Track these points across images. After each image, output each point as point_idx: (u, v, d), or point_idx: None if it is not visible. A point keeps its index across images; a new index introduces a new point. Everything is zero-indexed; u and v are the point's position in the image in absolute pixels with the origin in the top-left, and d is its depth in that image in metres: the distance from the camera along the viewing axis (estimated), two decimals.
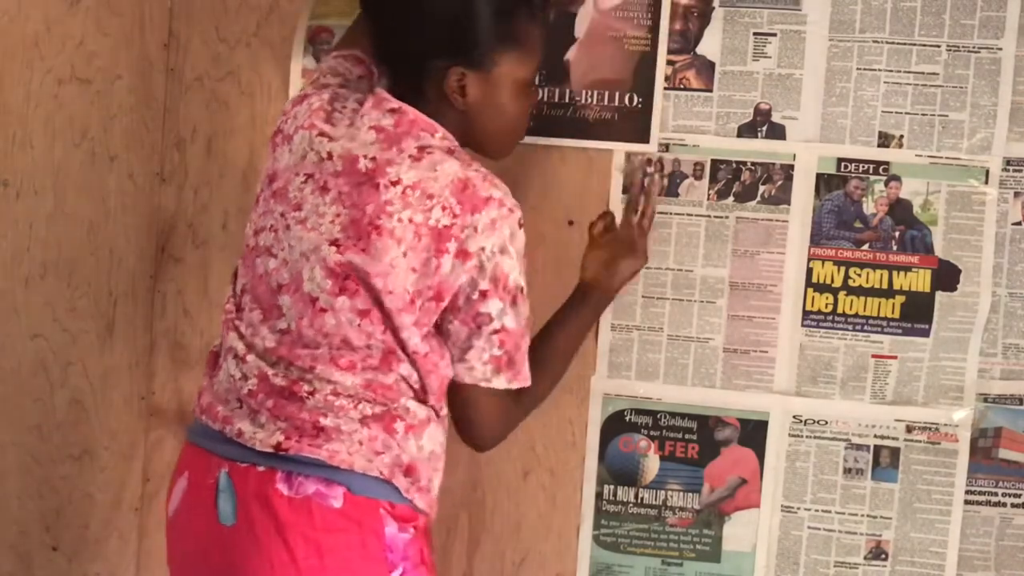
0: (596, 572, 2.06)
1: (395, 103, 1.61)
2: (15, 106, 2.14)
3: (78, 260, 2.16)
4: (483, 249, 1.56)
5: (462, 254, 1.55)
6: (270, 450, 1.57)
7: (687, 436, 2.02)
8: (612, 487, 2.05)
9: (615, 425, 2.04)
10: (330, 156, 1.59)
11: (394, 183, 1.55)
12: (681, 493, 2.03)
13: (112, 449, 2.19)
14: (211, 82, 2.11)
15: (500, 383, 1.63)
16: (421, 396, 1.61)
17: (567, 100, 2.00)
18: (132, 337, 2.17)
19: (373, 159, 1.57)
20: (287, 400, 1.58)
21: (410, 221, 1.55)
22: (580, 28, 1.99)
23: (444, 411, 1.66)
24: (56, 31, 2.12)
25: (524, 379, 1.65)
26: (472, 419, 1.67)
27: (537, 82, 1.76)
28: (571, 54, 2.00)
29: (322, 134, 1.61)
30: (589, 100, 1.99)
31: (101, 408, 2.18)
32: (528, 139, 1.98)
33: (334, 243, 1.57)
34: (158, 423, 2.18)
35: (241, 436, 1.59)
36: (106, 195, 2.15)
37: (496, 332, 1.60)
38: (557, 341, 1.81)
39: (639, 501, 2.04)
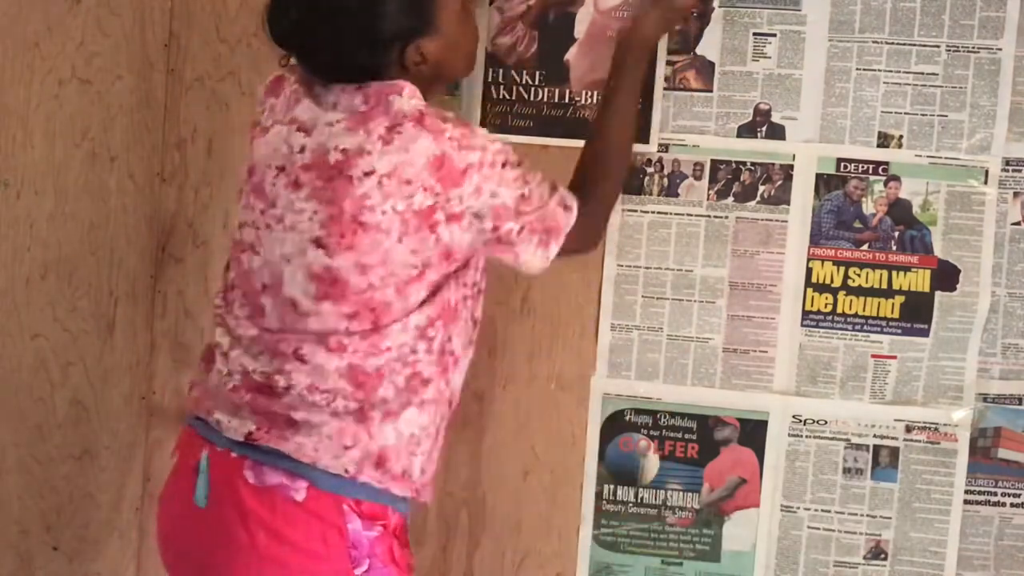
0: (596, 572, 2.06)
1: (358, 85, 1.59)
2: (15, 106, 2.14)
3: (78, 260, 2.16)
4: (470, 207, 1.57)
5: (453, 218, 1.57)
6: (241, 439, 1.59)
7: (687, 436, 2.02)
8: (612, 487, 2.05)
9: (615, 425, 2.04)
10: (302, 149, 1.58)
11: (368, 174, 1.53)
12: (681, 493, 2.03)
13: (112, 449, 2.19)
14: (211, 82, 2.11)
15: (554, 249, 1.65)
16: (404, 382, 1.61)
17: (567, 100, 2.00)
18: (132, 337, 2.17)
19: (344, 150, 1.54)
20: (265, 395, 1.60)
21: (394, 211, 1.54)
22: (580, 28, 1.99)
23: (429, 394, 1.64)
24: (56, 31, 2.12)
25: (560, 232, 1.65)
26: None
27: None
28: (571, 54, 2.00)
29: (300, 128, 1.59)
30: (589, 100, 2.00)
31: (101, 408, 2.18)
32: (528, 139, 1.99)
33: (317, 243, 1.56)
34: (158, 423, 2.18)
35: (220, 425, 1.62)
36: (107, 195, 2.15)
37: (521, 231, 1.61)
38: (609, 119, 1.80)
39: (639, 501, 2.04)
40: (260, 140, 1.66)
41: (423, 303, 1.60)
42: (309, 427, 1.58)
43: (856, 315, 1.98)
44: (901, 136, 1.95)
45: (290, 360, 1.59)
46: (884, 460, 1.99)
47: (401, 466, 1.62)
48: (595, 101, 1.99)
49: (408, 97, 1.57)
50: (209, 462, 1.61)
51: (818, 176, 1.97)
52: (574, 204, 1.67)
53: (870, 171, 1.96)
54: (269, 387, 1.60)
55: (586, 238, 1.74)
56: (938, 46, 1.93)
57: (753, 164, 1.98)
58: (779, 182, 1.98)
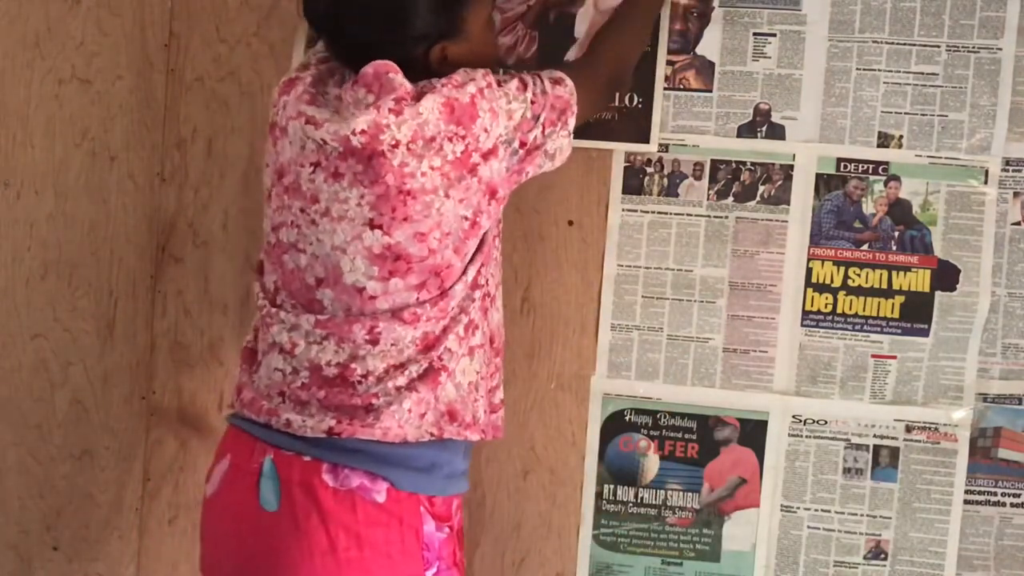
0: (596, 572, 2.06)
1: (355, 77, 1.63)
2: (15, 106, 2.14)
3: (78, 260, 2.16)
4: (499, 136, 1.63)
5: (489, 154, 1.62)
6: (322, 435, 1.60)
7: (687, 436, 2.02)
8: (612, 487, 2.05)
9: (615, 425, 2.04)
10: (325, 142, 1.60)
11: (394, 146, 1.57)
12: (681, 493, 2.03)
13: (112, 449, 2.19)
14: (211, 82, 2.11)
15: (572, 123, 1.72)
16: (464, 331, 1.66)
17: None
18: (132, 337, 2.17)
19: (363, 132, 1.57)
20: (339, 388, 1.61)
21: (432, 169, 1.58)
22: (580, 28, 1.99)
23: (477, 339, 1.69)
24: (56, 31, 2.12)
25: (569, 105, 1.71)
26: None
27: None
28: (571, 54, 2.00)
29: (310, 121, 1.62)
30: None
31: (101, 408, 2.18)
32: None
33: (371, 224, 1.59)
34: (158, 423, 2.18)
35: (290, 426, 1.62)
36: (106, 195, 2.15)
37: (543, 129, 1.68)
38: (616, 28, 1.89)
39: (639, 501, 2.04)
40: (283, 141, 1.67)
41: (474, 255, 1.66)
42: (390, 407, 1.60)
43: (856, 315, 1.98)
44: (901, 136, 1.95)
45: (362, 346, 1.62)
46: (884, 460, 1.99)
47: (470, 414, 1.68)
48: None
49: (397, 73, 1.61)
50: (276, 465, 1.61)
51: (818, 176, 1.97)
52: (561, 74, 1.73)
53: (870, 171, 1.96)
54: (343, 378, 1.62)
55: (594, 101, 1.82)
56: (938, 46, 1.94)
57: (753, 164, 1.98)
58: (779, 182, 1.98)
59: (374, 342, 1.62)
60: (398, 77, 1.60)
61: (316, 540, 1.57)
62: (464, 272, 1.65)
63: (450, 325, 1.64)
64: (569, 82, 1.72)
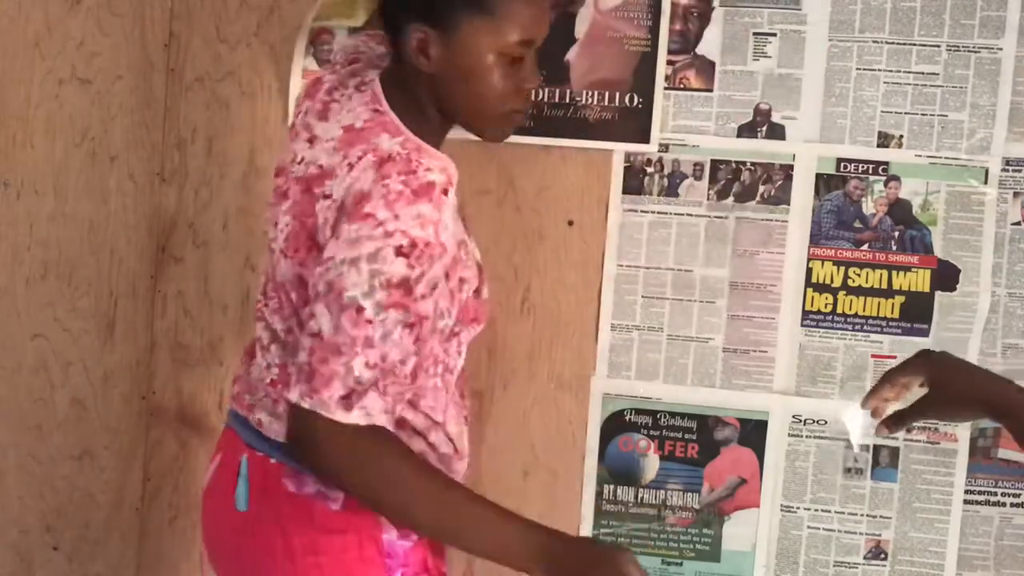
0: None
1: (382, 105, 1.54)
2: (15, 106, 2.14)
3: (78, 260, 2.16)
4: (332, 258, 1.44)
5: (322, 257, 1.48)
6: (284, 440, 1.57)
7: (687, 436, 2.02)
8: (612, 487, 2.05)
9: (615, 425, 2.04)
10: (302, 160, 1.57)
11: (327, 196, 1.49)
12: (681, 493, 2.03)
13: (112, 449, 2.19)
14: (211, 82, 2.11)
15: (293, 394, 1.44)
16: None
17: (567, 100, 2.00)
18: (132, 337, 2.17)
19: (320, 167, 1.52)
20: None
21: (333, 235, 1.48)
22: (580, 28, 1.99)
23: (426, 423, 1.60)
24: (56, 31, 2.12)
25: (321, 403, 1.41)
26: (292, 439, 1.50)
27: (531, 63, 1.52)
28: (571, 54, 2.00)
29: (309, 139, 1.58)
30: (589, 100, 2.00)
31: (101, 408, 2.18)
32: (528, 139, 1.99)
33: (285, 254, 1.56)
34: (158, 423, 2.18)
35: (261, 426, 1.61)
36: (106, 195, 2.15)
37: (311, 335, 1.44)
38: (452, 508, 1.53)
39: (639, 501, 2.04)
40: (291, 144, 1.64)
41: None
42: None
43: (856, 315, 1.98)
44: (901, 136, 1.95)
45: None
46: (884, 460, 2.00)
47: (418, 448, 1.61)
48: (595, 101, 2.00)
49: (399, 142, 1.49)
50: (249, 466, 1.61)
51: (818, 176, 1.97)
52: (370, 405, 1.42)
53: (870, 171, 1.96)
54: None
55: (349, 471, 1.47)
56: (938, 46, 1.94)
57: (753, 164, 1.98)
58: (779, 182, 1.98)
59: None
60: (385, 139, 1.48)
61: (276, 545, 1.56)
62: None
63: None
64: (355, 413, 1.42)
